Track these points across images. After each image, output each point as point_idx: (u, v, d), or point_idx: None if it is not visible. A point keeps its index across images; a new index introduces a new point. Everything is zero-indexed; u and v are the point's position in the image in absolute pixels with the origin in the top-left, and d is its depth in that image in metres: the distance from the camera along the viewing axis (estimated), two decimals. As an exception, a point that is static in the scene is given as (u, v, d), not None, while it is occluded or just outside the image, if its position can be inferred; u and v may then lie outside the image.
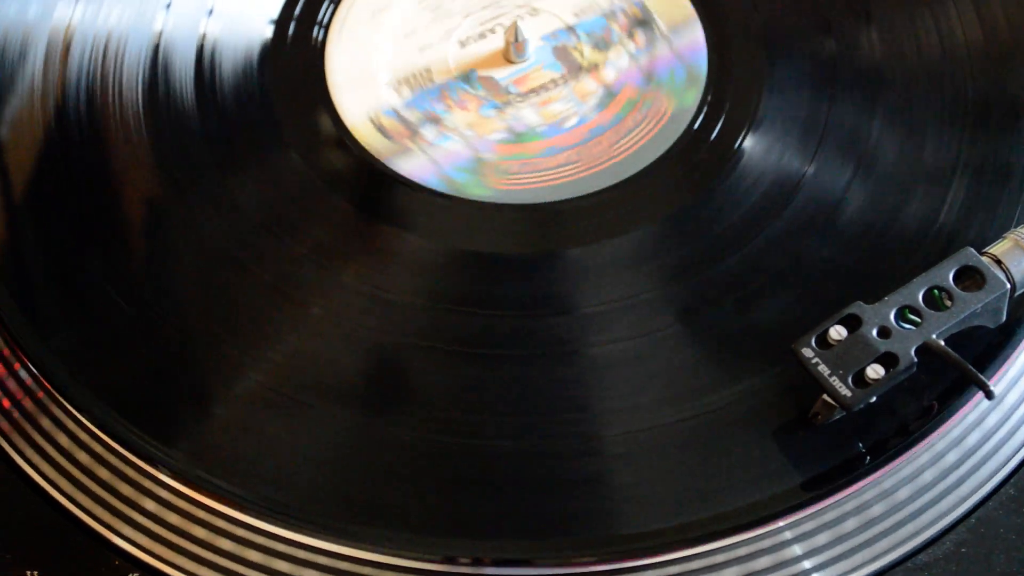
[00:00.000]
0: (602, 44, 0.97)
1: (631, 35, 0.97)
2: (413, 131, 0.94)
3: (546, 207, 0.89)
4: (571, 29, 0.98)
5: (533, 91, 0.96)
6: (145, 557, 0.78)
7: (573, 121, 0.94)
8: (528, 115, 0.94)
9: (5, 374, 0.83)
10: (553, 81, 0.96)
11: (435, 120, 0.94)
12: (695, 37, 0.96)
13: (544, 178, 0.90)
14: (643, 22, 0.97)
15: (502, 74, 0.97)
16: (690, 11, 0.97)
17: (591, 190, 0.89)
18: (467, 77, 0.97)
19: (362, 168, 0.91)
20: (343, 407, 0.79)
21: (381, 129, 0.94)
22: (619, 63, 0.96)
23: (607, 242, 0.86)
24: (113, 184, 0.90)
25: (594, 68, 0.96)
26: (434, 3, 1.00)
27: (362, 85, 0.96)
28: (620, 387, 0.80)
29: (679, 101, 0.93)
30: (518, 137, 0.93)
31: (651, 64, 0.96)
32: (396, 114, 0.95)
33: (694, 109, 0.92)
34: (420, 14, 1.00)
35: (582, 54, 0.97)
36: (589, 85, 0.95)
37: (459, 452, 0.78)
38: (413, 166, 0.92)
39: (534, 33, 0.98)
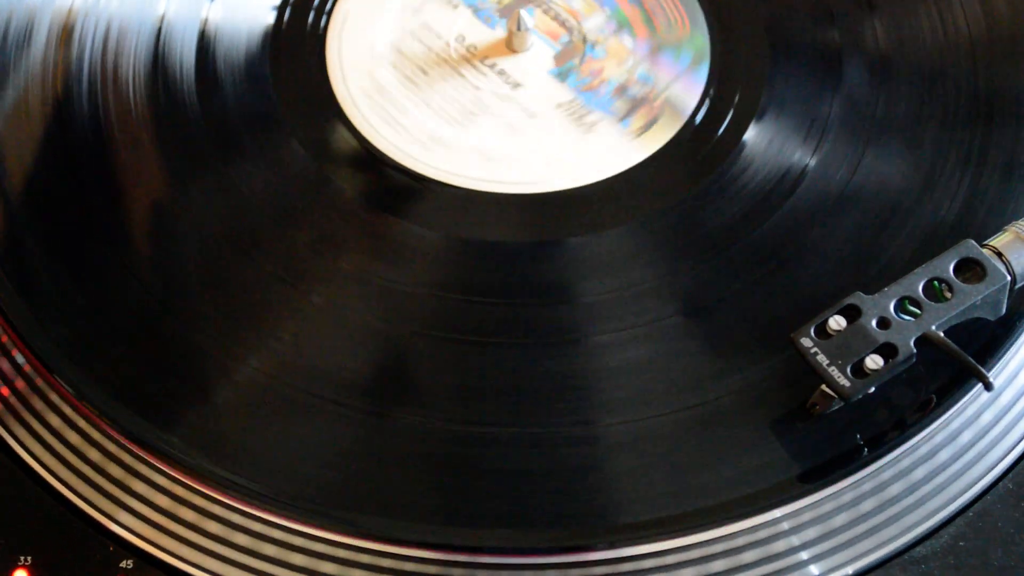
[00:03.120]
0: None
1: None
2: None
3: (549, 196, 0.89)
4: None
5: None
6: (141, 544, 0.78)
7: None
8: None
9: (3, 359, 0.83)
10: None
11: None
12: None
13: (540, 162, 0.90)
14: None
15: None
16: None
17: (593, 179, 0.89)
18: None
19: (365, 156, 0.91)
20: (343, 395, 0.79)
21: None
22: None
23: (609, 231, 0.86)
24: (114, 171, 0.90)
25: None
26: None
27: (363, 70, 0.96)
28: (620, 376, 0.80)
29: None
30: None
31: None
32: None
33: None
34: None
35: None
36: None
37: (458, 440, 0.78)
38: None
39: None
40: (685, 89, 0.93)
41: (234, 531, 0.77)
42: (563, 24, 0.98)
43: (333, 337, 0.82)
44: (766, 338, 0.79)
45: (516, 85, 0.95)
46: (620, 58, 0.96)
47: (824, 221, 0.85)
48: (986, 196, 0.85)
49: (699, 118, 0.91)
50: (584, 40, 0.97)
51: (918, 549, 0.76)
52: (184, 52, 0.95)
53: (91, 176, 0.89)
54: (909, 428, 0.75)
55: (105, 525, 0.78)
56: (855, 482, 0.76)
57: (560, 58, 0.96)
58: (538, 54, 0.97)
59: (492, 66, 0.96)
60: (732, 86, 0.93)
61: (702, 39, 0.94)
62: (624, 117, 0.93)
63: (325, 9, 0.98)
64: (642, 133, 0.91)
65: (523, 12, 0.95)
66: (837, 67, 0.92)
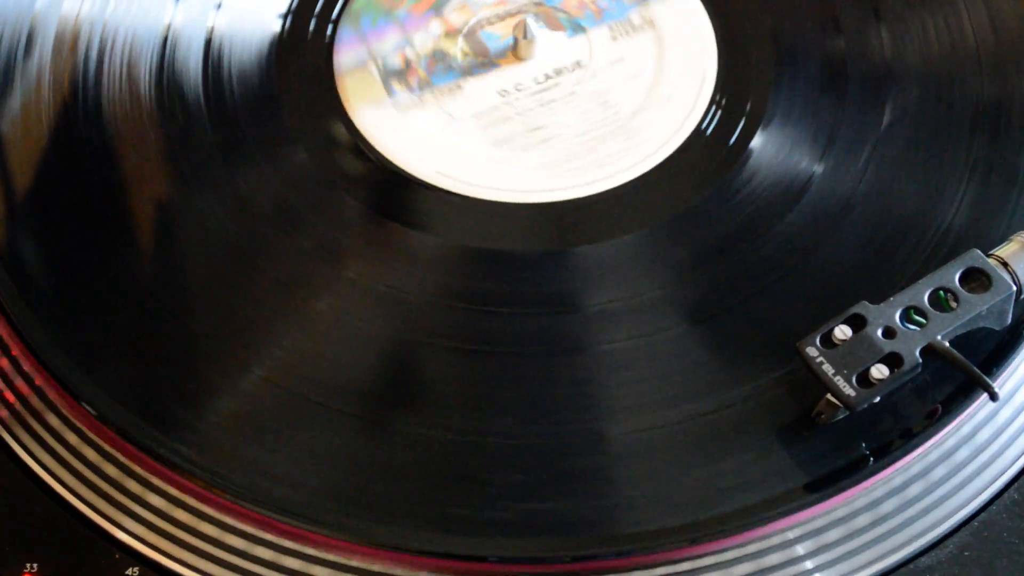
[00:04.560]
0: None
1: None
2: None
3: (555, 205, 0.89)
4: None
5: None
6: (146, 551, 0.78)
7: None
8: None
9: (7, 365, 0.83)
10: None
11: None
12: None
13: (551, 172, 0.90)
14: None
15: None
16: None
17: (600, 189, 0.89)
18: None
19: (370, 164, 0.91)
20: (347, 403, 0.79)
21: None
22: None
23: (615, 240, 0.86)
24: (119, 178, 0.90)
25: None
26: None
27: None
28: (625, 385, 0.80)
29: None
30: None
31: None
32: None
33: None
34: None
35: None
36: None
37: (464, 449, 0.77)
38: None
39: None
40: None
41: (232, 535, 0.77)
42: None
43: (337, 344, 0.82)
44: (771, 347, 0.79)
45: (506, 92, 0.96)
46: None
47: (830, 230, 0.85)
48: (992, 206, 0.84)
49: (705, 126, 0.91)
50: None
51: (923, 559, 0.76)
52: (190, 59, 0.95)
53: (97, 182, 0.89)
54: (915, 438, 0.75)
55: (110, 532, 0.78)
56: (860, 492, 0.76)
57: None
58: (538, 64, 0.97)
59: (487, 62, 0.96)
60: (739, 94, 0.93)
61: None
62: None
63: (331, 17, 0.98)
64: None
65: (529, 19, 0.95)
66: (843, 75, 0.92)
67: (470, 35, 0.98)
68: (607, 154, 0.91)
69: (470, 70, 0.97)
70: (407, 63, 0.97)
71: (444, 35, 0.98)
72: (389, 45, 0.98)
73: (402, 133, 0.93)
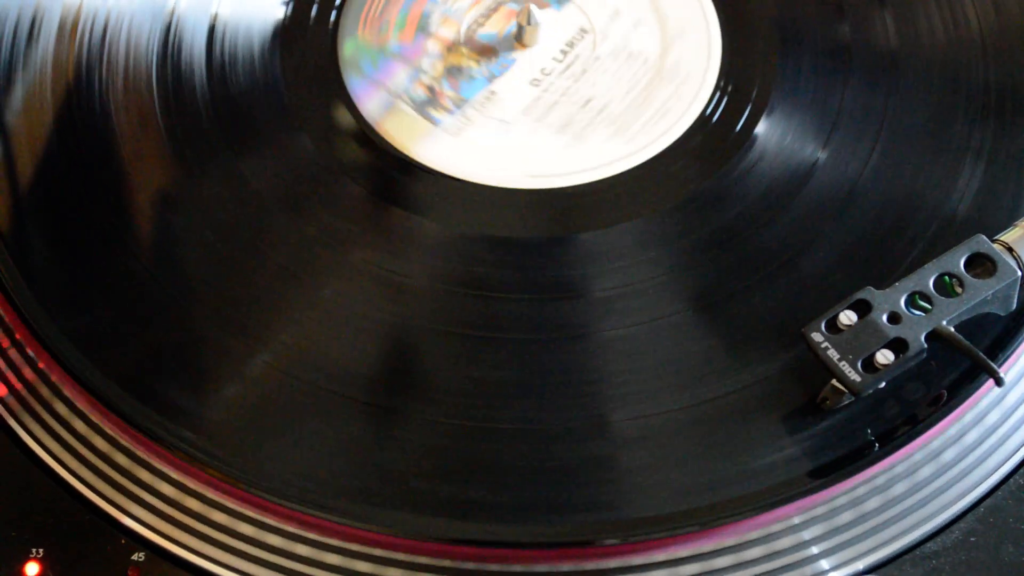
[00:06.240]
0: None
1: None
2: None
3: (559, 192, 0.88)
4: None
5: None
6: (153, 537, 0.78)
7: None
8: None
9: (13, 352, 0.83)
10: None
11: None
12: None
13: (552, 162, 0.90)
14: None
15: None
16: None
17: (604, 176, 0.89)
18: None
19: (374, 150, 0.91)
20: (354, 389, 0.79)
21: None
22: None
23: (619, 226, 0.86)
24: (124, 164, 0.89)
25: None
26: None
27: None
28: (630, 372, 0.80)
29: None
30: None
31: None
32: None
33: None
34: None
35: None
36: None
37: (467, 435, 0.78)
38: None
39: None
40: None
41: (240, 522, 0.77)
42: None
43: (342, 331, 0.82)
44: (776, 333, 0.79)
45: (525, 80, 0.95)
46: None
47: (835, 215, 0.85)
48: (997, 191, 0.85)
49: (709, 113, 0.91)
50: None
51: (928, 545, 0.76)
52: (194, 46, 0.95)
53: (100, 168, 0.89)
54: (920, 423, 0.75)
55: (116, 518, 0.78)
56: (867, 477, 0.76)
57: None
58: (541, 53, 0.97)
59: (501, 60, 0.96)
60: (742, 81, 0.92)
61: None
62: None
63: (335, 3, 0.98)
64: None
65: (532, 7, 0.95)
66: (847, 61, 0.92)
67: (470, 42, 0.98)
68: (663, 100, 0.92)
69: (491, 74, 0.96)
70: (431, 90, 0.96)
71: (446, 51, 0.97)
72: (403, 79, 0.96)
73: (471, 153, 0.92)
